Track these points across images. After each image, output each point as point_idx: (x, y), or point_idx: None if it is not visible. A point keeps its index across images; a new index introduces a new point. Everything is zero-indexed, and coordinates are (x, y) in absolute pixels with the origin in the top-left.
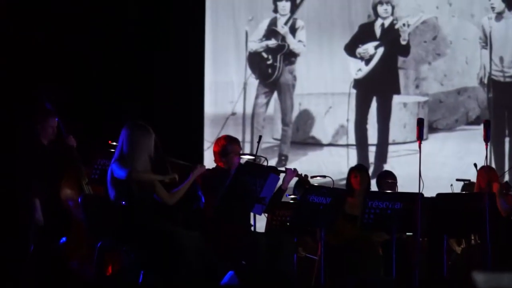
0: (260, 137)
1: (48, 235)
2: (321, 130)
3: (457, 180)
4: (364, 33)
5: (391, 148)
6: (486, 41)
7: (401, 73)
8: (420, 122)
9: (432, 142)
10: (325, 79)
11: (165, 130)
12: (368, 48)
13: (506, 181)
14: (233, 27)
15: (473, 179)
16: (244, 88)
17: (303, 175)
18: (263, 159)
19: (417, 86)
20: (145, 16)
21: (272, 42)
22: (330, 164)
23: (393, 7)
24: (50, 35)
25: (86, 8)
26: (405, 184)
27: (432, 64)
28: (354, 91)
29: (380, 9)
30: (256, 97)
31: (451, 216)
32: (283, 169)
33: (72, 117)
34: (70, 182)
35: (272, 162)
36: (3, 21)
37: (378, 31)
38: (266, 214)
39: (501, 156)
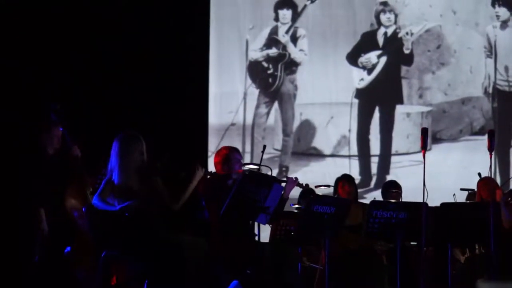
0: (265, 146)
1: (53, 245)
2: (323, 141)
3: (461, 189)
4: (367, 42)
5: (394, 159)
6: (491, 50)
7: (404, 82)
8: (424, 131)
9: (436, 152)
10: (327, 89)
11: (169, 139)
12: (371, 57)
13: (511, 190)
14: (238, 36)
15: None
16: (244, 98)
17: (303, 185)
18: (267, 169)
19: (420, 96)
20: (149, 24)
21: (273, 51)
22: (333, 175)
23: (396, 16)
24: (52, 40)
25: (91, 23)
26: (409, 195)
27: (436, 74)
28: (356, 101)
29: (383, 17)
30: (257, 107)
31: (456, 226)
32: (284, 178)
33: (77, 127)
34: (74, 192)
35: (273, 173)
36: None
37: (381, 40)
38: (270, 225)
39: (505, 166)
